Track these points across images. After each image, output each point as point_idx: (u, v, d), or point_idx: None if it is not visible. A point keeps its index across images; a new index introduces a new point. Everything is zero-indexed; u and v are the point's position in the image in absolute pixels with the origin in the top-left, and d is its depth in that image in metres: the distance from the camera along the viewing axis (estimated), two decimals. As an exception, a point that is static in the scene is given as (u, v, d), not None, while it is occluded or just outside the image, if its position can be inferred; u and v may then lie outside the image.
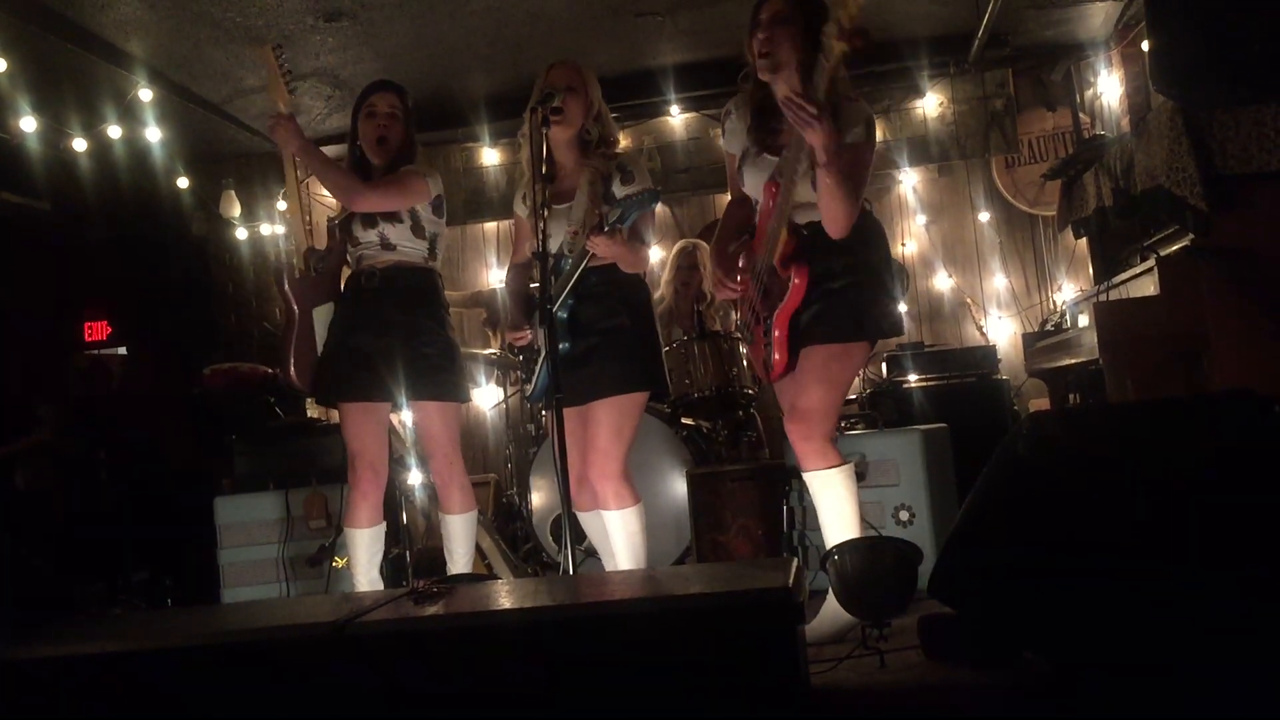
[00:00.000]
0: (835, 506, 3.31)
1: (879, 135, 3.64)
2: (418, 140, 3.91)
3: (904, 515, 3.99)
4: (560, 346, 3.37)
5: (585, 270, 3.44)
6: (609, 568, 3.68)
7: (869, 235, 3.35)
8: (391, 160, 3.80)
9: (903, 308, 3.31)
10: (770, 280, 3.36)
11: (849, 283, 3.27)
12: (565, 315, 3.46)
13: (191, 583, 5.02)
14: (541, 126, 3.30)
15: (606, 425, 3.49)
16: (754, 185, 3.44)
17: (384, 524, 3.85)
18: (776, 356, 3.35)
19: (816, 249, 3.28)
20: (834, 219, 3.18)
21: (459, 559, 3.87)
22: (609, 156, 3.55)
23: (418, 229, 3.81)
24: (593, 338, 3.51)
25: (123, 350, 6.11)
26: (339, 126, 6.29)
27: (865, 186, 3.24)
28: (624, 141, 3.75)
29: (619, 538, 3.54)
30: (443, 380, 3.78)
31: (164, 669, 2.44)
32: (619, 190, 3.47)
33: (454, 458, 3.82)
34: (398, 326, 3.74)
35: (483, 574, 4.35)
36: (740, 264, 3.50)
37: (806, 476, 3.34)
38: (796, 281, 3.26)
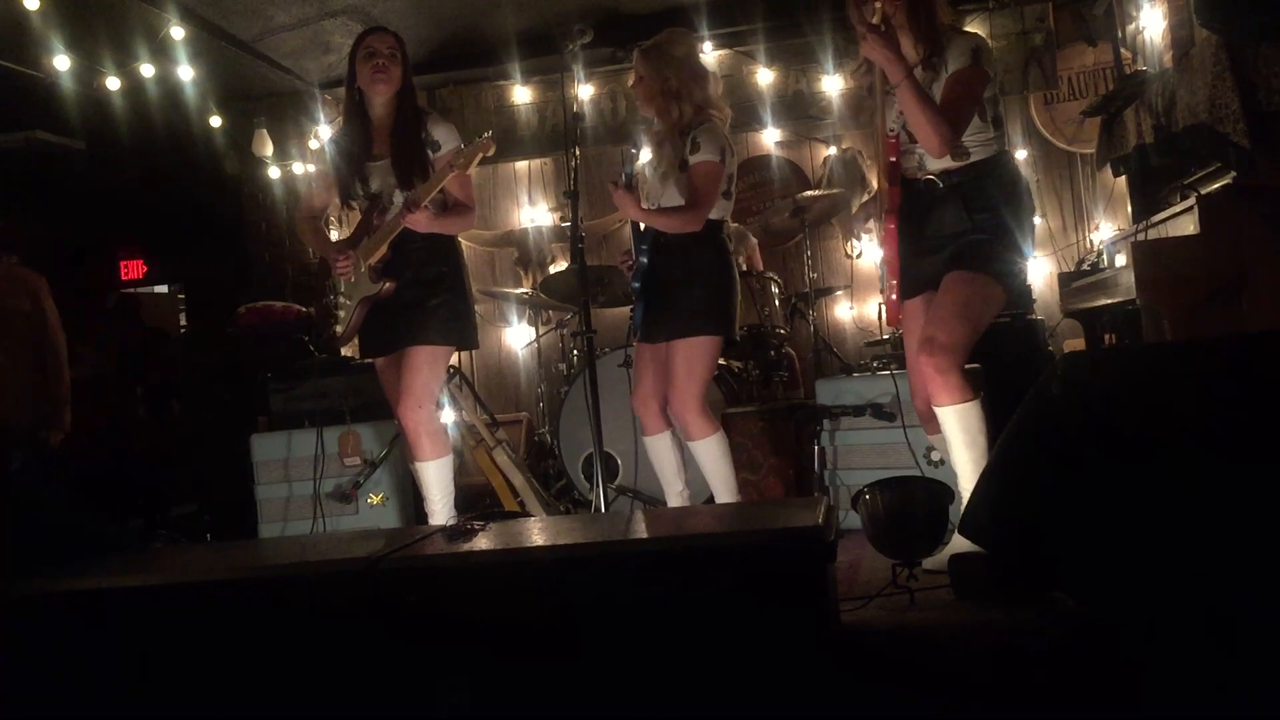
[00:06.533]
0: (969, 441, 3.25)
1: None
2: (415, 87, 3.94)
3: (935, 455, 3.98)
4: (634, 285, 3.94)
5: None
6: (668, 491, 4.05)
7: (1010, 192, 3.34)
8: (394, 100, 3.83)
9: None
10: (881, 229, 3.46)
11: (985, 234, 3.28)
12: (645, 260, 3.91)
13: (230, 518, 5.10)
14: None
15: (678, 364, 3.85)
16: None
17: (445, 458, 3.86)
18: (894, 296, 3.46)
19: (965, 203, 3.30)
20: (924, 139, 3.24)
21: (437, 508, 3.85)
22: (696, 123, 3.86)
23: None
24: (663, 285, 3.90)
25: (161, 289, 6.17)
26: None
27: (967, 114, 3.24)
28: (720, 111, 3.98)
29: (706, 463, 3.92)
30: (437, 325, 3.82)
31: (202, 602, 2.48)
32: (691, 159, 3.80)
33: (425, 403, 3.80)
34: (413, 279, 3.83)
35: (516, 511, 4.39)
36: (867, 218, 3.62)
37: (940, 412, 3.28)
38: (890, 227, 3.37)
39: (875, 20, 3.19)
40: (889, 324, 3.66)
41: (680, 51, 3.93)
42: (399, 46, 3.83)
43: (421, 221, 3.70)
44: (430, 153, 3.81)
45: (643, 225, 3.90)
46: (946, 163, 3.31)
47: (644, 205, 3.88)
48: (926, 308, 3.39)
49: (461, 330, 3.91)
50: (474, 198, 3.95)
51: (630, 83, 4.02)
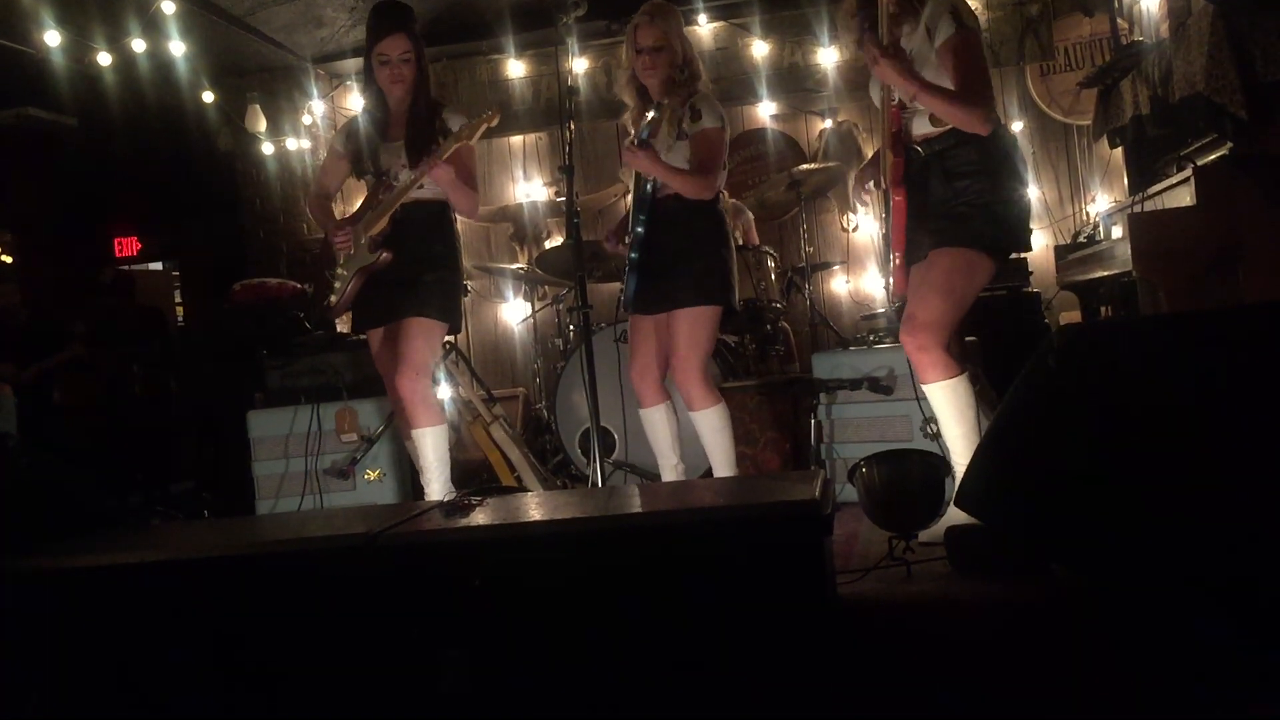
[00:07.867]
0: (958, 417, 3.27)
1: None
2: (429, 67, 4.01)
3: (932, 428, 3.97)
4: (631, 256, 3.87)
5: (663, 197, 3.85)
6: (663, 464, 4.02)
7: (1002, 157, 3.30)
8: (412, 98, 3.92)
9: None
10: (886, 201, 3.41)
11: (976, 202, 3.26)
12: (641, 231, 3.85)
13: (228, 495, 5.11)
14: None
15: (681, 334, 3.84)
16: (876, 96, 3.49)
17: (441, 426, 3.90)
18: (897, 272, 3.43)
19: (944, 171, 3.27)
20: (959, 123, 3.22)
21: (434, 478, 3.88)
22: (691, 93, 3.84)
23: None
24: (662, 256, 3.85)
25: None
26: (362, 39, 6.22)
27: (981, 78, 3.22)
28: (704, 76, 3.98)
29: (706, 434, 3.91)
30: (435, 300, 3.88)
31: (200, 579, 2.49)
32: (688, 128, 3.80)
33: (422, 373, 3.86)
34: (409, 254, 3.89)
35: (513, 486, 4.39)
36: (869, 187, 3.57)
37: (926, 389, 3.31)
38: (897, 200, 3.34)
39: (886, 42, 3.18)
40: (896, 293, 3.58)
41: (680, 19, 3.93)
42: (412, 46, 3.88)
43: (443, 176, 3.75)
44: (442, 139, 3.85)
45: (648, 185, 3.85)
46: (926, 129, 3.30)
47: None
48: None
49: (455, 310, 3.98)
50: (477, 183, 4.00)
51: (640, 49, 3.85)
